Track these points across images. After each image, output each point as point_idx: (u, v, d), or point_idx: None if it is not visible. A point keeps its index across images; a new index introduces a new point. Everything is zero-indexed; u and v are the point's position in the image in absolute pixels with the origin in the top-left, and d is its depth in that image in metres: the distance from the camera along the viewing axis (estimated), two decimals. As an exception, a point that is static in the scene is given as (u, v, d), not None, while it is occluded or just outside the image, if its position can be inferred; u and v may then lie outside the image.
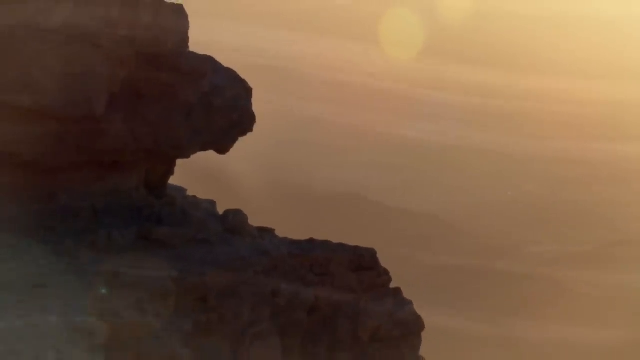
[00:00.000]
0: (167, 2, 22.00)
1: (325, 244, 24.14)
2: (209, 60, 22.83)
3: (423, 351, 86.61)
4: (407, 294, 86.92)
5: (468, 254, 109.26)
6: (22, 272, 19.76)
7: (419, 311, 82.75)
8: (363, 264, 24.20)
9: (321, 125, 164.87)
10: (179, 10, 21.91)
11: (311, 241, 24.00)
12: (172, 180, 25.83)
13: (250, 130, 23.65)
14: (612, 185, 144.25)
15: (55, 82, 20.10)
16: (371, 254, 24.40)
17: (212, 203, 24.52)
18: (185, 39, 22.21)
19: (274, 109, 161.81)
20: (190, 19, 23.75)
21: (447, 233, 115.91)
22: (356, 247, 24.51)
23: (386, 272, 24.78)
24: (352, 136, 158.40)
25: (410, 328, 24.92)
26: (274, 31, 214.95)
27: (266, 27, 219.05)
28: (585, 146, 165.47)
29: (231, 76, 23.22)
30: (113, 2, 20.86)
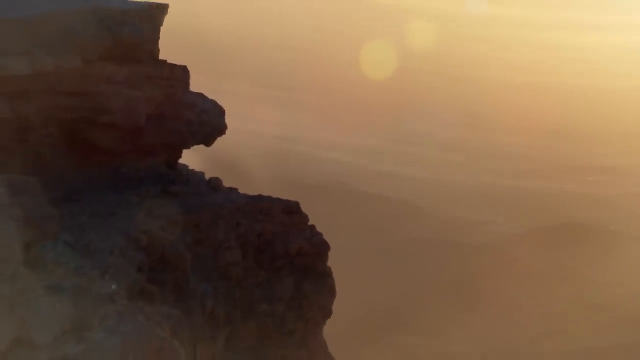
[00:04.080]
0: (177, 65, 26.69)
1: (269, 197, 28.86)
2: (201, 95, 28.18)
3: (392, 311, 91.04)
4: (380, 263, 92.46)
5: (432, 231, 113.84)
6: (103, 208, 24.23)
7: (389, 278, 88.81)
8: (291, 210, 29.03)
9: (313, 130, 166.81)
10: (184, 69, 27.05)
11: (260, 195, 28.75)
12: (207, 172, 30.13)
13: (224, 133, 28.38)
14: (559, 178, 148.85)
15: (120, 108, 25.23)
16: (296, 204, 29.11)
17: (203, 173, 28.90)
18: (187, 85, 27.23)
19: (275, 115, 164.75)
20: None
21: (415, 214, 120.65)
22: (287, 200, 29.14)
23: (306, 216, 29.42)
24: (337, 138, 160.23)
25: (321, 249, 29.55)
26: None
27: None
28: (536, 144, 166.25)
29: (213, 103, 28.43)
30: (147, 64, 25.71)
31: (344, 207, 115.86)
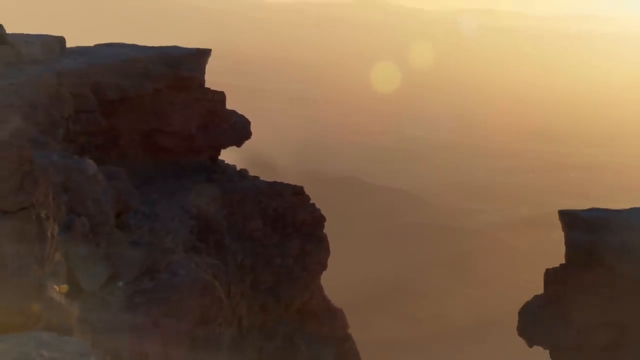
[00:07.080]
0: (217, 90, 29.10)
1: (281, 183, 31.21)
2: (233, 111, 30.63)
3: (396, 285, 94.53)
4: (385, 243, 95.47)
5: (431, 217, 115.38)
6: (167, 190, 26.66)
7: (393, 256, 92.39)
8: (297, 192, 31.43)
9: (330, 133, 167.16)
10: (222, 93, 29.39)
11: (275, 182, 31.30)
12: (243, 167, 31.20)
13: (250, 137, 30.44)
14: (543, 174, 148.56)
15: (179, 121, 28.17)
16: (301, 188, 31.56)
17: (235, 166, 31.16)
18: (224, 104, 29.73)
19: (300, 122, 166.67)
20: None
21: (416, 203, 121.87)
22: (294, 185, 31.32)
23: (308, 196, 31.56)
24: (350, 141, 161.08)
25: (318, 220, 32.19)
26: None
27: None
28: (524, 145, 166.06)
29: (241, 116, 31.15)
30: (196, 90, 28.42)
31: (356, 196, 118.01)
